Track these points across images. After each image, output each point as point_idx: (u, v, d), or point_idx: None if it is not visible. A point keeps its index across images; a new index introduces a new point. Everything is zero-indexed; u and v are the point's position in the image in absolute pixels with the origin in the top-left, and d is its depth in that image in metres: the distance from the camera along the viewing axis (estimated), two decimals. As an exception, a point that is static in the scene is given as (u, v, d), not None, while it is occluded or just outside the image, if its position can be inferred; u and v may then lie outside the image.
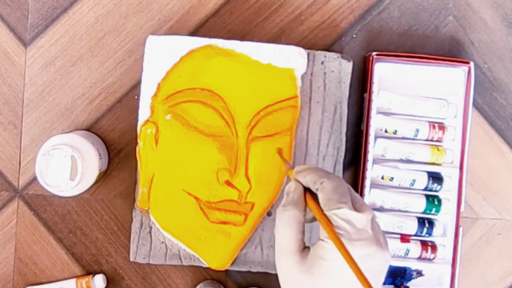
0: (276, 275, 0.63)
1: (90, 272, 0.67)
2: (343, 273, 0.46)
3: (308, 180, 0.50)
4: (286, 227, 0.49)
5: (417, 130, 0.64)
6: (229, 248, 0.62)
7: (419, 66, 0.64)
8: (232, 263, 0.63)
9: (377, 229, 0.49)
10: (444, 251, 0.64)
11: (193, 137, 0.61)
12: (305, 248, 0.49)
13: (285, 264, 0.49)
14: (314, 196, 0.50)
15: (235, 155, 0.61)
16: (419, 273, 0.65)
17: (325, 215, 0.48)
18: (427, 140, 0.64)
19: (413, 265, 0.64)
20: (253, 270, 0.64)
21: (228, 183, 0.61)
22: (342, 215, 0.47)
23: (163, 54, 0.62)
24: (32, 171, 0.67)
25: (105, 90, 0.67)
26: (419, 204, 0.63)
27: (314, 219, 0.51)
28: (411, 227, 0.63)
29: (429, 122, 0.64)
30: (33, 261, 0.67)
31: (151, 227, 0.64)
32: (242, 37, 0.66)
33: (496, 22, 0.68)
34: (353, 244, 0.46)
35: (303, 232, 0.49)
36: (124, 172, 0.67)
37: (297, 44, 0.64)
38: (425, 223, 0.63)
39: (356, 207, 0.48)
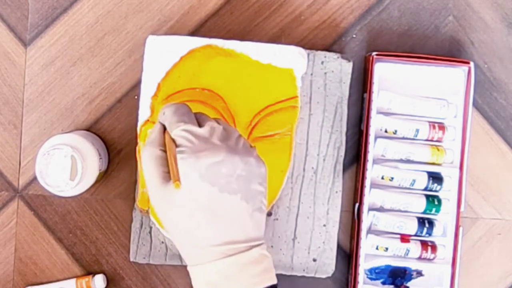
0: (277, 275, 0.63)
1: (90, 272, 0.67)
2: (190, 185, 0.48)
3: (159, 118, 0.53)
4: (145, 164, 0.51)
5: (417, 130, 0.64)
6: (229, 248, 0.62)
7: (419, 66, 0.64)
8: (232, 263, 0.63)
9: (233, 139, 0.51)
10: (444, 251, 0.64)
11: (193, 137, 0.61)
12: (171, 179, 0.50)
13: (153, 197, 0.51)
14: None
15: (235, 155, 0.61)
16: (419, 273, 0.65)
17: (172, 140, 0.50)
18: (427, 140, 0.65)
19: (413, 265, 0.64)
20: (253, 270, 0.64)
21: (228, 183, 0.61)
22: (182, 132, 0.50)
23: (163, 54, 0.62)
24: (32, 171, 0.67)
25: (105, 90, 0.67)
26: (419, 204, 0.64)
27: None
28: (411, 227, 0.63)
29: (429, 122, 0.64)
30: (33, 261, 0.67)
31: (151, 227, 0.64)
32: (242, 37, 0.66)
33: (496, 22, 0.68)
34: (197, 155, 0.48)
35: (166, 165, 0.50)
36: (124, 172, 0.67)
37: (297, 44, 0.64)
38: (425, 223, 0.63)
39: (201, 124, 0.52)
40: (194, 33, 0.67)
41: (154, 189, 0.50)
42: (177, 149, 0.49)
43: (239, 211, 0.49)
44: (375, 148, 0.64)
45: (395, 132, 0.64)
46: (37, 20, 0.67)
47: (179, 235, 0.50)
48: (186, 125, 0.50)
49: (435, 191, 0.64)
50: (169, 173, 0.50)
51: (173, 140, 0.50)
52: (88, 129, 0.67)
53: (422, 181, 0.64)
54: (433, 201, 0.64)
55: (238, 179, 0.49)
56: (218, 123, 0.53)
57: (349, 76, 0.65)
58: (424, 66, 0.64)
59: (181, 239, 0.50)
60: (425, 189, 0.64)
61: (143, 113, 0.63)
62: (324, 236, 0.64)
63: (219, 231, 0.49)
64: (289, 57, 0.62)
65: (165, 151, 0.51)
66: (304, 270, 0.65)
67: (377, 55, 0.64)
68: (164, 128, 0.53)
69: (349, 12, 0.68)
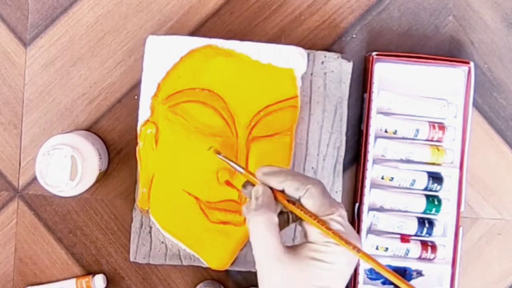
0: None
1: (90, 272, 0.67)
2: (346, 272, 0.48)
3: (286, 186, 0.49)
4: (264, 231, 0.47)
5: (417, 130, 0.64)
6: (229, 248, 0.62)
7: (419, 66, 0.64)
8: (232, 263, 0.63)
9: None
10: (444, 251, 0.64)
11: (193, 137, 0.61)
12: (286, 247, 0.48)
13: (273, 270, 0.47)
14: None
15: (235, 155, 0.61)
16: (419, 273, 0.65)
17: (319, 219, 0.48)
18: (427, 140, 0.64)
19: (413, 265, 0.64)
20: (253, 270, 0.64)
21: (228, 183, 0.61)
22: (338, 218, 0.47)
23: (163, 54, 0.62)
24: (32, 171, 0.67)
25: (105, 90, 0.67)
26: (419, 204, 0.63)
27: (294, 222, 0.51)
28: (411, 227, 0.63)
29: (429, 122, 0.64)
30: (33, 261, 0.67)
31: (151, 227, 0.64)
32: (242, 37, 0.66)
33: (496, 22, 0.68)
34: (351, 242, 0.47)
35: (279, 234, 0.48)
36: (124, 172, 0.67)
37: (297, 44, 0.64)
38: (425, 223, 0.63)
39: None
40: (194, 33, 0.67)
41: (275, 256, 0.47)
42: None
43: None
44: (375, 148, 0.64)
45: (395, 132, 0.64)
46: (37, 20, 0.67)
47: None
48: (340, 211, 0.48)
49: (435, 191, 0.64)
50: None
51: (320, 220, 0.48)
52: (88, 129, 0.67)
53: (422, 181, 0.64)
54: (433, 201, 0.64)
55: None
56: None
57: (349, 76, 0.65)
58: (424, 66, 0.64)
59: None
60: (425, 189, 0.64)
61: (143, 113, 0.63)
62: (324, 236, 0.64)
63: None
64: (289, 57, 0.62)
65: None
66: (304, 270, 0.65)
67: (377, 55, 0.64)
68: (271, 190, 0.50)
69: (349, 12, 0.68)
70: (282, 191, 0.50)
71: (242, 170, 0.52)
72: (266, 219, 0.47)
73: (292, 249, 0.48)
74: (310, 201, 0.48)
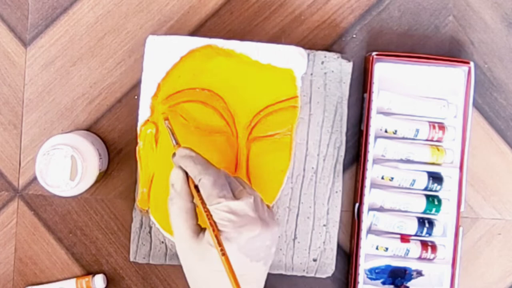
0: (277, 275, 0.63)
1: (90, 272, 0.67)
2: (240, 259, 0.50)
3: (189, 172, 0.53)
4: (175, 218, 0.53)
5: (417, 130, 0.64)
6: (229, 248, 0.62)
7: (419, 66, 0.64)
8: (232, 263, 0.63)
9: (260, 208, 0.53)
10: (444, 251, 0.64)
11: (193, 137, 0.61)
12: (201, 231, 0.52)
13: (181, 251, 0.53)
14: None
15: (235, 155, 0.61)
16: (419, 273, 0.65)
17: (206, 209, 0.51)
18: (427, 140, 0.65)
19: (413, 265, 0.64)
20: (253, 270, 0.64)
21: (228, 183, 0.61)
22: (223, 207, 0.51)
23: (163, 54, 0.62)
24: (32, 171, 0.67)
25: (105, 90, 0.67)
26: (419, 204, 0.64)
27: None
28: (411, 227, 0.63)
29: (429, 122, 0.64)
30: (33, 261, 0.67)
31: (151, 227, 0.64)
32: (242, 37, 0.66)
33: (496, 22, 0.68)
34: (239, 231, 0.50)
35: (195, 217, 0.53)
36: (124, 172, 0.67)
37: (297, 44, 0.64)
38: (425, 223, 0.63)
39: (236, 194, 0.52)
40: (194, 33, 0.67)
41: (185, 241, 0.52)
42: (220, 228, 0.50)
43: (260, 274, 0.53)
44: (375, 148, 0.64)
45: (395, 132, 0.64)
46: (37, 20, 0.67)
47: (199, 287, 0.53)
48: (226, 201, 0.51)
49: (435, 191, 0.64)
50: (198, 225, 0.53)
51: (209, 213, 0.51)
52: (88, 129, 0.67)
53: (422, 181, 0.64)
54: (433, 201, 0.64)
55: (266, 248, 0.52)
56: (248, 191, 0.53)
57: (349, 76, 0.65)
58: (424, 66, 0.64)
59: None
60: (425, 189, 0.64)
61: (143, 113, 0.63)
62: (324, 236, 0.64)
63: None
64: (289, 57, 0.62)
65: (193, 202, 0.53)
66: (304, 270, 0.65)
67: (377, 55, 0.64)
68: (187, 176, 0.54)
69: (349, 12, 0.68)
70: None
71: (175, 144, 0.57)
72: (177, 207, 0.53)
73: (203, 233, 0.52)
74: (202, 190, 0.52)
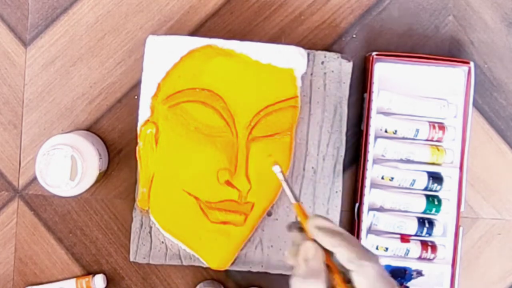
0: (277, 275, 0.63)
1: (90, 272, 0.67)
2: None
3: (339, 253, 0.42)
4: None
5: (417, 130, 0.64)
6: (229, 248, 0.62)
7: (419, 66, 0.64)
8: (232, 263, 0.63)
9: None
10: (444, 251, 0.64)
11: (193, 137, 0.61)
12: None
13: None
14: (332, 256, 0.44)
15: (235, 155, 0.61)
16: (419, 273, 0.65)
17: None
18: (427, 140, 0.64)
19: (413, 265, 0.64)
20: (253, 270, 0.64)
21: (228, 183, 0.61)
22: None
23: (163, 54, 0.62)
24: (32, 171, 0.67)
25: (105, 90, 0.67)
26: (419, 204, 0.63)
27: None
28: (411, 227, 0.63)
29: (429, 122, 0.64)
30: (33, 261, 0.67)
31: (151, 227, 0.64)
32: (242, 37, 0.66)
33: (496, 22, 0.68)
34: None
35: None
36: (124, 172, 0.67)
37: (297, 44, 0.64)
38: (425, 223, 0.63)
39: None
40: (194, 33, 0.67)
41: None
42: None
43: None
44: (375, 148, 0.64)
45: (395, 132, 0.64)
46: (37, 20, 0.67)
47: None
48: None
49: (435, 191, 0.64)
50: None
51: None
52: (88, 129, 0.67)
53: (422, 181, 0.64)
54: (433, 201, 0.64)
55: None
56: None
57: (349, 76, 0.65)
58: (424, 66, 0.64)
59: None
60: (425, 189, 0.64)
61: (143, 113, 0.63)
62: (324, 236, 0.64)
63: None
64: (289, 57, 0.62)
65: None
66: (304, 270, 0.65)
67: (377, 55, 0.64)
68: (325, 251, 0.43)
69: (349, 12, 0.68)
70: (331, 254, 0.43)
71: (294, 201, 0.47)
72: None
73: None
74: (363, 281, 0.42)
